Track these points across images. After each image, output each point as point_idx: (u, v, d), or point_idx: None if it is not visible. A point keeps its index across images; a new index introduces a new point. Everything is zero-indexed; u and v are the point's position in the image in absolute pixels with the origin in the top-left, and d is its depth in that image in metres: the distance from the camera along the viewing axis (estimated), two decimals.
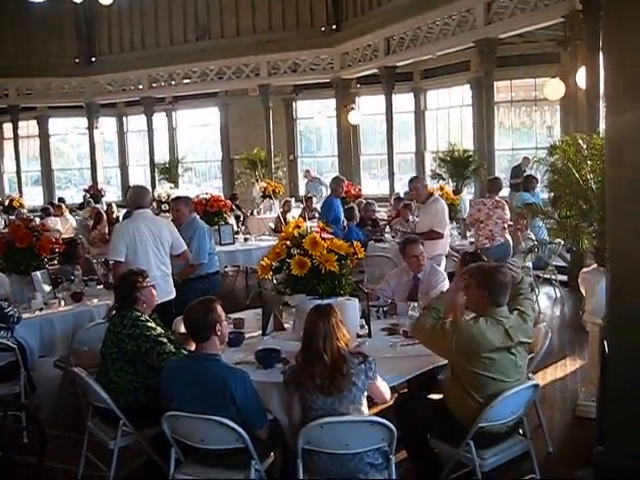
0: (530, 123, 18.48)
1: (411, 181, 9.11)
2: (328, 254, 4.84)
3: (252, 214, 15.17)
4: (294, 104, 21.91)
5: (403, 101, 19.29)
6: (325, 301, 4.73)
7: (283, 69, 19.28)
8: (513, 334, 4.13)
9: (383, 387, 4.14)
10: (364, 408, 3.98)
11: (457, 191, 13.93)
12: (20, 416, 5.43)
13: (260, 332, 5.31)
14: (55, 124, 24.60)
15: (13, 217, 14.58)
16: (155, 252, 6.28)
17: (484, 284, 4.22)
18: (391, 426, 3.75)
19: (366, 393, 3.98)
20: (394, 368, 4.53)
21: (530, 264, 9.13)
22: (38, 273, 6.71)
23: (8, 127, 23.47)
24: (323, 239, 4.92)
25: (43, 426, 5.14)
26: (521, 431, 4.46)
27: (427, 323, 4.31)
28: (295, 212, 13.50)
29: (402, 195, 13.34)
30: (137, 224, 6.32)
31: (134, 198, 6.53)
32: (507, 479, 4.43)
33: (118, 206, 14.39)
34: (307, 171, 19.37)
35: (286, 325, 5.41)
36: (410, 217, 10.91)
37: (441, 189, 11.61)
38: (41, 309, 6.40)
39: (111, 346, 4.65)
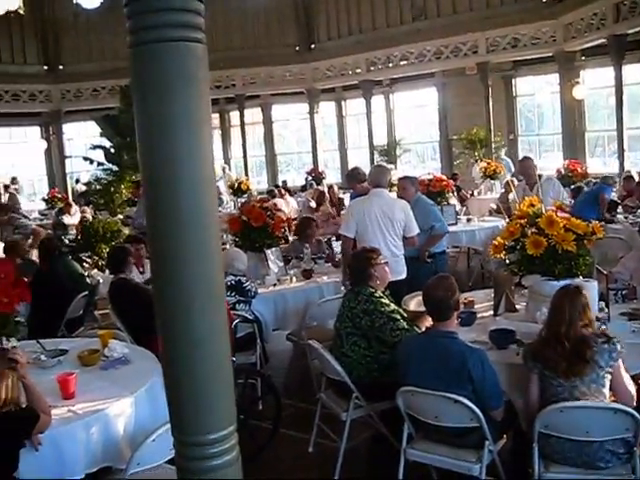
0: None
1: (522, 161, 8.58)
2: (565, 233, 4.63)
3: (472, 195, 14.94)
4: (513, 81, 21.15)
5: (633, 72, 17.90)
6: (562, 282, 4.55)
7: (502, 45, 18.67)
8: None
9: (627, 380, 3.85)
10: (606, 390, 3.76)
11: None
12: (255, 384, 5.76)
13: (491, 313, 5.22)
14: (277, 110, 25.71)
15: (242, 200, 15.42)
16: (384, 232, 6.35)
17: None
18: (637, 415, 3.53)
19: (609, 377, 3.76)
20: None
21: None
22: (271, 251, 7.06)
23: (235, 115, 24.90)
24: (560, 218, 4.73)
25: (279, 394, 5.41)
26: None
27: None
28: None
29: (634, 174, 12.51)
30: (370, 203, 6.43)
31: (374, 177, 6.67)
32: None
33: (339, 188, 14.76)
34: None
35: (518, 306, 5.27)
36: None
37: None
38: (274, 285, 6.73)
39: (345, 321, 4.79)
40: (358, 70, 21.76)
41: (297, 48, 23.07)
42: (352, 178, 8.14)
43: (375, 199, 6.47)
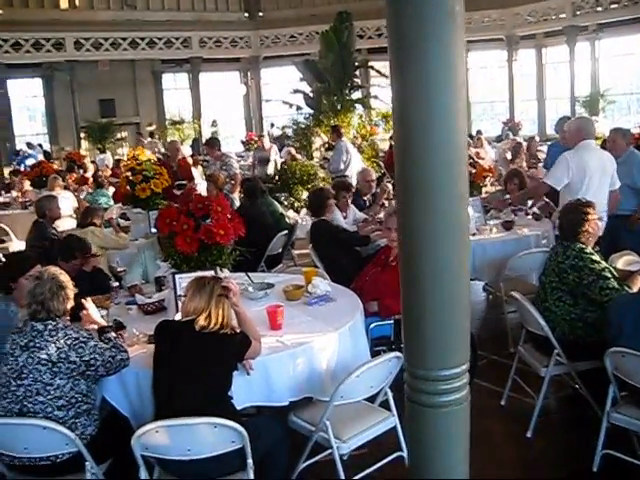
0: None
1: None
2: None
3: None
4: None
5: None
6: None
7: None
8: None
9: None
10: None
11: None
12: None
13: None
14: (472, 57, 24.92)
15: None
16: (596, 185, 6.05)
17: None
18: None
19: None
20: None
21: None
22: (471, 199, 6.91)
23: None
24: None
25: (476, 343, 5.37)
26: None
27: None
28: None
29: None
30: (584, 155, 6.12)
31: (584, 129, 6.36)
32: None
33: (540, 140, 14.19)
34: None
35: None
36: None
37: None
38: (473, 234, 6.60)
39: (552, 275, 4.64)
40: (562, 15, 20.56)
41: None
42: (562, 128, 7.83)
43: (588, 152, 6.15)
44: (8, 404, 3.52)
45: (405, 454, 3.92)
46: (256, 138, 20.65)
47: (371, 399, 4.03)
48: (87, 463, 3.47)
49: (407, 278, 1.71)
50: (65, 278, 3.74)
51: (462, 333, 1.75)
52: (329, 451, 3.75)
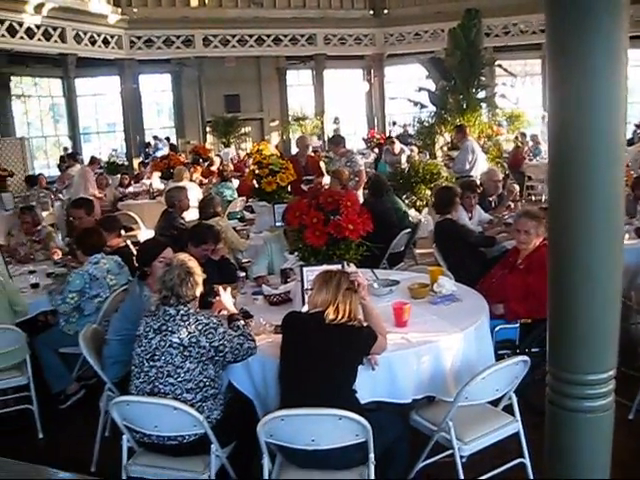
0: None
1: None
2: None
3: None
4: None
5: None
6: None
7: None
8: None
9: None
10: None
11: None
12: None
13: None
14: None
15: None
16: None
17: None
18: None
19: None
20: None
21: None
22: None
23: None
24: None
25: None
26: None
27: None
28: None
29: None
30: None
31: None
32: None
33: None
34: None
35: None
36: None
37: None
38: None
39: None
40: None
41: None
42: None
43: None
44: (140, 384, 3.68)
45: (527, 462, 3.83)
46: (378, 136, 20.64)
47: (494, 402, 3.95)
48: (212, 445, 3.56)
49: (557, 278, 1.66)
50: (193, 264, 3.87)
51: (612, 338, 1.69)
52: (448, 452, 3.71)
